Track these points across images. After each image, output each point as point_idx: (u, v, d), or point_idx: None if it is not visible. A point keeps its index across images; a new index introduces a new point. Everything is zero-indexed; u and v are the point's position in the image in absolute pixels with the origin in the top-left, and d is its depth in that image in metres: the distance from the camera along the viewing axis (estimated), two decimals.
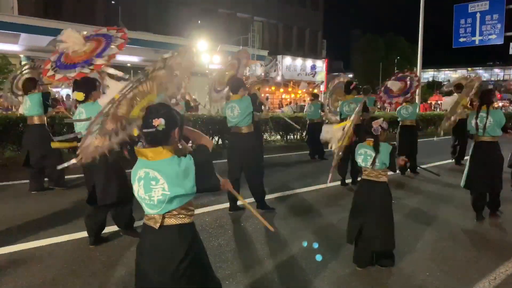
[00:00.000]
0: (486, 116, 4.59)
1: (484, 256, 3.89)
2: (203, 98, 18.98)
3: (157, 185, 1.87)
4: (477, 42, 21.22)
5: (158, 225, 1.94)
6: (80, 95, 3.86)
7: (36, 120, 5.93)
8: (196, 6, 24.31)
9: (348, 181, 6.75)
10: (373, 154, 3.29)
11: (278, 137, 12.10)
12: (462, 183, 4.98)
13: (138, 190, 1.95)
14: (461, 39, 21.59)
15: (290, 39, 32.22)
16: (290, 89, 29.70)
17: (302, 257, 3.75)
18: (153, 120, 1.86)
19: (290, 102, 25.93)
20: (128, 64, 20.64)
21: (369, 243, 3.42)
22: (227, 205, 5.23)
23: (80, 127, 3.93)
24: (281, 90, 29.20)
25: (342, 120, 6.84)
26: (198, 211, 5.14)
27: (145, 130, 1.90)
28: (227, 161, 5.27)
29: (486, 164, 4.71)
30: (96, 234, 3.98)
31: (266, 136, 11.77)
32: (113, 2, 21.92)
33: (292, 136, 12.57)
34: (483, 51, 38.01)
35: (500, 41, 20.74)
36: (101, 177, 3.85)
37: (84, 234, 4.06)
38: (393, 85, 7.45)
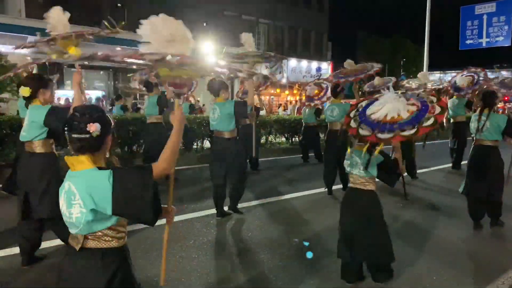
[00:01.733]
0: (485, 119, 4.47)
1: (490, 262, 3.84)
2: (208, 100, 18.94)
3: (75, 200, 1.61)
4: (484, 44, 21.10)
5: (79, 246, 1.65)
6: (26, 91, 3.37)
7: None
8: (202, 8, 24.37)
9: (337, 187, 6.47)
10: (359, 161, 3.09)
11: (283, 139, 12.05)
12: (461, 188, 4.83)
13: (62, 204, 1.67)
14: (468, 41, 21.48)
15: (295, 41, 32.19)
16: (295, 91, 29.66)
17: (289, 266, 3.67)
18: (88, 125, 1.62)
19: (293, 103, 25.87)
20: (134, 66, 20.71)
21: (359, 254, 3.16)
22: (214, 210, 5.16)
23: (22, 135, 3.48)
24: (287, 92, 29.16)
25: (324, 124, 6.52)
26: (185, 216, 5.06)
27: (75, 136, 1.64)
28: (210, 165, 5.12)
29: (482, 168, 4.55)
30: (29, 253, 3.54)
31: (271, 138, 11.73)
32: (119, 5, 22.05)
33: (297, 138, 12.54)
34: (490, 53, 37.71)
35: (508, 43, 20.59)
36: (39, 186, 3.41)
37: (16, 250, 3.63)
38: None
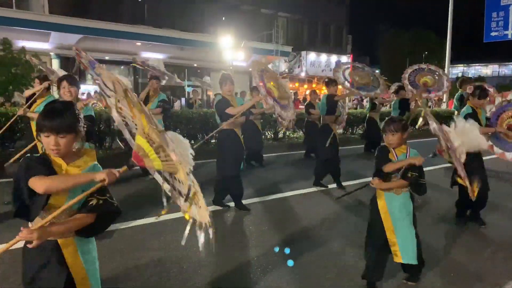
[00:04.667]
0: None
1: (482, 273, 3.76)
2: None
3: None
4: (509, 36, 20.44)
5: None
6: None
7: None
8: (221, 2, 24.38)
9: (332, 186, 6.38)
10: None
11: (301, 133, 12.01)
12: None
13: None
14: (493, 33, 20.85)
15: (314, 34, 31.91)
16: (314, 85, 29.46)
17: (294, 263, 3.57)
18: None
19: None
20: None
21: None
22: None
23: None
24: (305, 86, 29.00)
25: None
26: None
27: None
28: (230, 157, 5.01)
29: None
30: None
31: (288, 132, 11.75)
32: (139, 0, 22.27)
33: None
34: None
35: None
36: None
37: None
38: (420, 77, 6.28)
